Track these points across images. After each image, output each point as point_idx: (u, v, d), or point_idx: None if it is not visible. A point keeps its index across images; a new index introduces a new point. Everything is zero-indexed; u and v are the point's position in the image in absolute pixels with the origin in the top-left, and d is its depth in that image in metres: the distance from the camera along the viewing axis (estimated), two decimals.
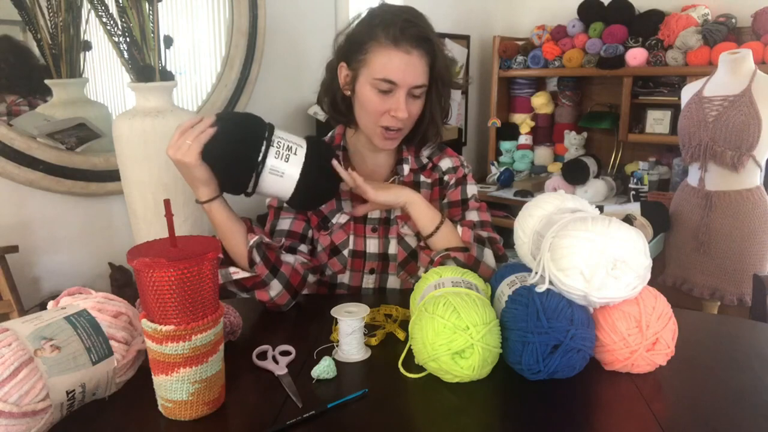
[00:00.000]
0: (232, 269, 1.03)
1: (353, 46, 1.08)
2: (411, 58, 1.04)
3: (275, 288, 1.07)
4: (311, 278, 1.15)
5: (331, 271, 1.21)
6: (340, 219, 1.18)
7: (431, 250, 1.13)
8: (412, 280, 1.21)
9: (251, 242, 1.04)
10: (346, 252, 1.19)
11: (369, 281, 1.21)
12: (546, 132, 3.41)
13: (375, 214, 1.19)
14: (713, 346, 0.95)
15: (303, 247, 1.17)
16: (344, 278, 1.21)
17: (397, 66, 1.03)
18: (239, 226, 1.06)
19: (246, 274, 1.03)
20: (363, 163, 1.21)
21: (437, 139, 1.21)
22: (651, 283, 0.83)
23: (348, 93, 1.12)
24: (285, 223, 1.18)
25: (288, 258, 1.11)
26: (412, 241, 1.19)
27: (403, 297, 1.14)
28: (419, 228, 1.13)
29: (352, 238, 1.19)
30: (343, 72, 1.11)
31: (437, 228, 1.11)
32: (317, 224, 1.19)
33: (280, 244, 1.14)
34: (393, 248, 1.20)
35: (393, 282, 1.22)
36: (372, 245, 1.20)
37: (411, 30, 1.03)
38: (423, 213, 1.12)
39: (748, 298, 2.03)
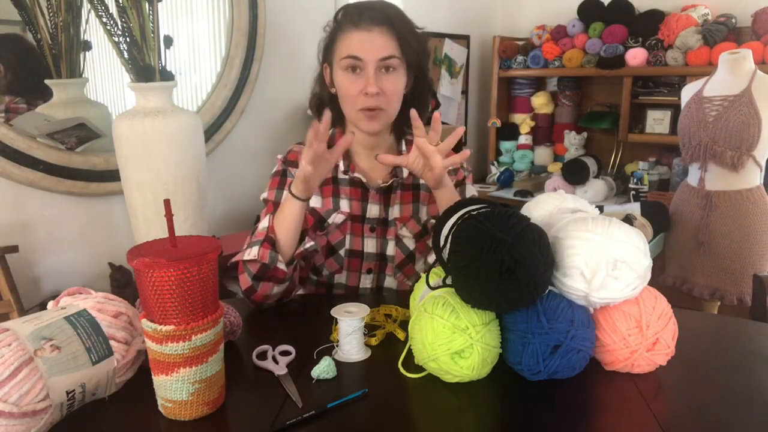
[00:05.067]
0: (279, 257, 1.07)
1: (327, 44, 1.15)
2: (372, 34, 1.08)
3: (280, 288, 1.08)
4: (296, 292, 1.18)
5: (328, 271, 1.21)
6: (336, 219, 1.18)
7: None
8: (409, 282, 1.22)
9: (308, 245, 1.10)
10: (342, 252, 1.19)
11: (366, 281, 1.21)
12: (546, 132, 3.41)
13: (373, 214, 1.19)
14: (713, 346, 0.95)
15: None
16: (341, 278, 1.21)
17: (358, 42, 1.08)
18: (301, 226, 1.09)
19: (284, 267, 1.06)
20: (362, 163, 1.22)
21: (424, 115, 1.22)
22: (651, 283, 0.83)
23: (333, 91, 1.16)
24: None
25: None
26: (410, 243, 1.19)
27: (400, 298, 1.14)
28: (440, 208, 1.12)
29: (349, 237, 1.19)
30: (326, 72, 1.17)
31: None
32: (313, 225, 1.19)
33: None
34: (391, 250, 1.20)
35: (390, 283, 1.22)
36: (370, 245, 1.20)
37: (369, 12, 1.09)
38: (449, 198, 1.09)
39: (748, 298, 2.03)
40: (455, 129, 1.02)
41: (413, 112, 1.02)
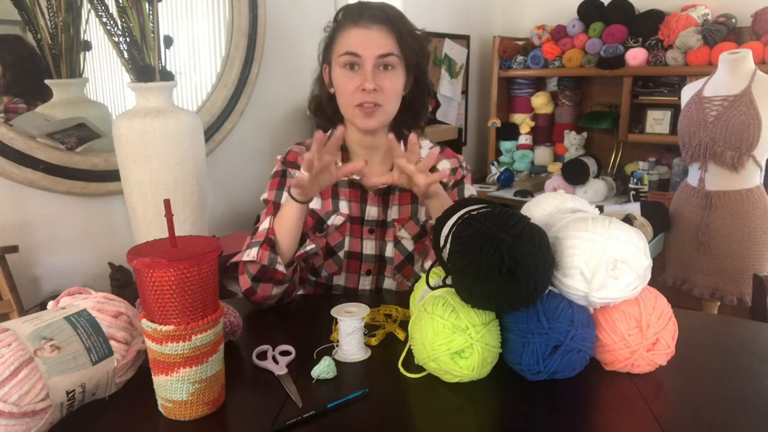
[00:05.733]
0: (278, 259, 1.06)
1: (326, 44, 1.15)
2: (370, 32, 1.08)
3: (280, 288, 1.08)
4: (297, 291, 1.18)
5: (327, 272, 1.21)
6: (335, 220, 1.18)
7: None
8: (408, 283, 1.21)
9: (308, 248, 1.10)
10: (341, 253, 1.19)
11: (365, 283, 1.21)
12: (546, 132, 3.41)
13: (372, 216, 1.19)
14: (713, 346, 0.95)
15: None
16: (340, 280, 1.21)
17: (356, 39, 1.08)
18: (301, 229, 1.09)
19: (284, 269, 1.06)
20: None
21: (422, 121, 1.24)
22: (651, 283, 0.83)
23: (332, 90, 1.15)
24: None
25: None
26: (408, 245, 1.19)
27: (400, 298, 1.14)
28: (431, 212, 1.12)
29: (348, 239, 1.19)
30: (326, 72, 1.17)
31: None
32: (312, 226, 1.19)
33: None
34: (389, 251, 1.20)
35: (389, 284, 1.22)
36: (368, 247, 1.20)
37: (370, 11, 1.09)
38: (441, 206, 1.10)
39: (748, 298, 2.03)
40: (431, 151, 1.01)
41: (391, 137, 1.01)
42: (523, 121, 3.43)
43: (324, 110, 1.21)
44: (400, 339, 0.95)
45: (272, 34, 2.22)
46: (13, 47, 1.63)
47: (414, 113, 1.20)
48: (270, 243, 1.06)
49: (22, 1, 1.60)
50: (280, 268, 1.06)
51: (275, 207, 1.18)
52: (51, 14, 1.66)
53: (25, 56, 1.66)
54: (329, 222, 1.18)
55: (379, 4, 1.11)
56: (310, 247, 1.10)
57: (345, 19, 1.11)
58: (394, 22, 1.09)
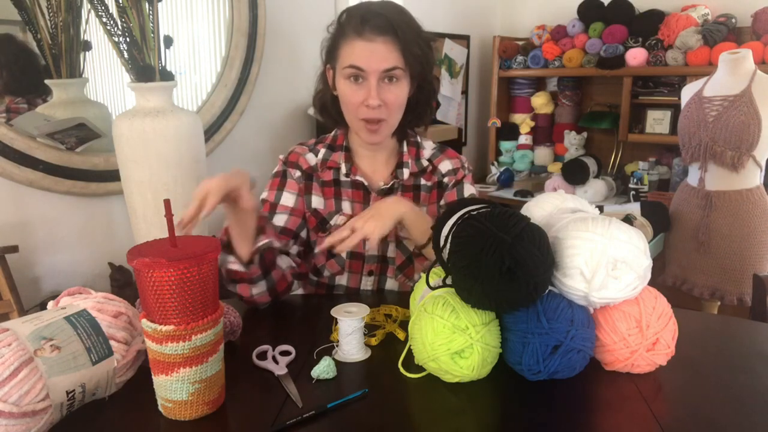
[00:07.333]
0: (231, 258, 1.03)
1: (330, 47, 1.13)
2: (374, 45, 1.05)
3: (259, 288, 1.07)
4: (296, 285, 1.16)
5: (329, 272, 1.21)
6: (338, 221, 1.18)
7: (425, 258, 1.13)
8: (410, 283, 1.21)
9: (260, 244, 1.04)
10: (344, 253, 1.19)
11: (367, 283, 1.21)
12: (546, 132, 3.41)
13: None
14: (713, 346, 0.95)
15: (294, 248, 1.17)
16: (342, 280, 1.21)
17: (360, 53, 1.05)
18: (254, 224, 1.03)
19: (240, 268, 1.03)
20: (363, 165, 1.21)
21: (426, 121, 1.23)
22: (651, 283, 0.83)
23: (336, 93, 1.15)
24: (280, 220, 1.17)
25: (281, 262, 1.11)
26: (410, 245, 1.19)
27: (401, 299, 1.14)
28: (412, 239, 1.12)
29: None
30: (329, 74, 1.16)
31: (429, 239, 1.06)
32: (315, 225, 1.19)
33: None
34: (391, 252, 1.19)
35: (391, 284, 1.22)
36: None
37: (373, 20, 1.05)
38: (415, 225, 1.08)
39: (748, 298, 2.03)
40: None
41: None
42: (523, 121, 3.43)
43: (328, 110, 1.20)
44: (400, 339, 0.95)
45: (272, 35, 2.22)
46: (6, 47, 1.63)
47: (417, 115, 1.20)
48: (221, 243, 1.03)
49: (22, 1, 1.60)
50: (235, 267, 1.03)
51: (272, 207, 1.18)
52: (51, 14, 1.66)
53: (18, 54, 1.65)
54: (332, 222, 1.18)
55: (384, 9, 1.08)
56: (262, 242, 1.04)
57: (348, 26, 1.07)
58: (399, 31, 1.05)
